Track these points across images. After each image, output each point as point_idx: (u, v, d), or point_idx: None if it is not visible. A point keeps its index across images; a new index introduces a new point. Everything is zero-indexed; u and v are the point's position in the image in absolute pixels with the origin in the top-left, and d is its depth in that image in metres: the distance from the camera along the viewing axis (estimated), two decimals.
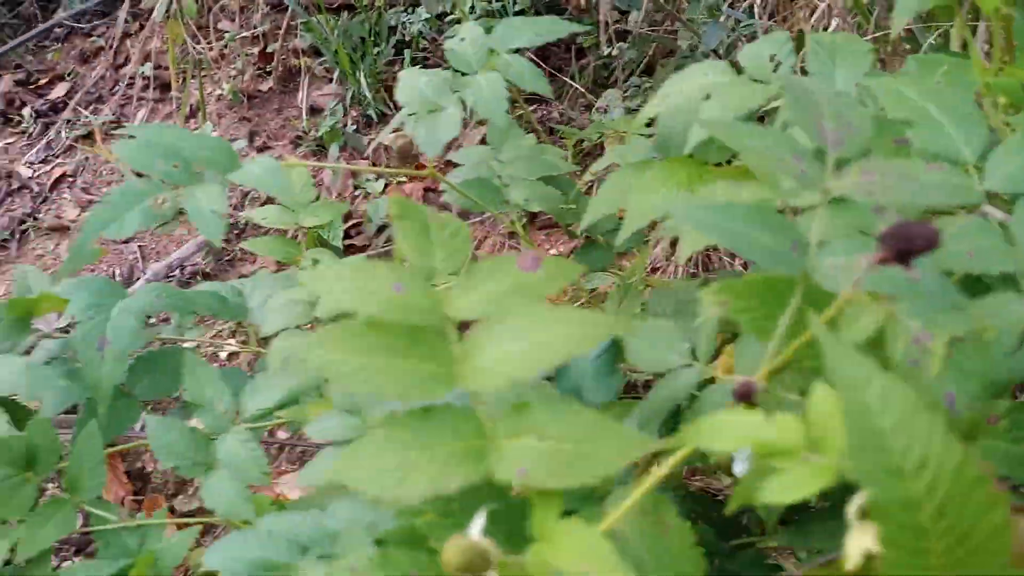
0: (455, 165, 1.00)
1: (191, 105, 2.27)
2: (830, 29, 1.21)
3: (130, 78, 2.37)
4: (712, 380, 0.57)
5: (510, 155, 0.86)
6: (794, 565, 0.65)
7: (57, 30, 2.51)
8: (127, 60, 2.40)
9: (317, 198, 1.06)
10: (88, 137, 2.27)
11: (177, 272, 1.99)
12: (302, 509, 0.57)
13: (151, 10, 2.27)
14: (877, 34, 1.11)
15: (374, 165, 2.00)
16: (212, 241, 0.68)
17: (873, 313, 0.43)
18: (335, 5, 2.28)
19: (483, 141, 1.07)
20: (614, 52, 1.81)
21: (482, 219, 1.80)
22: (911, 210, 0.49)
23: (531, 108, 1.10)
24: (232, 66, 2.32)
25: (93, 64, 2.40)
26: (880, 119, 0.55)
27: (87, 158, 2.23)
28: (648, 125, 0.74)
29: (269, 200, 2.24)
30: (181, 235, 2.14)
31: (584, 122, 1.84)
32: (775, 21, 1.44)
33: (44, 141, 2.27)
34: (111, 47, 2.37)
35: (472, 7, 1.96)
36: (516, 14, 1.95)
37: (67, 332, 0.85)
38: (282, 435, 1.49)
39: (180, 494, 1.52)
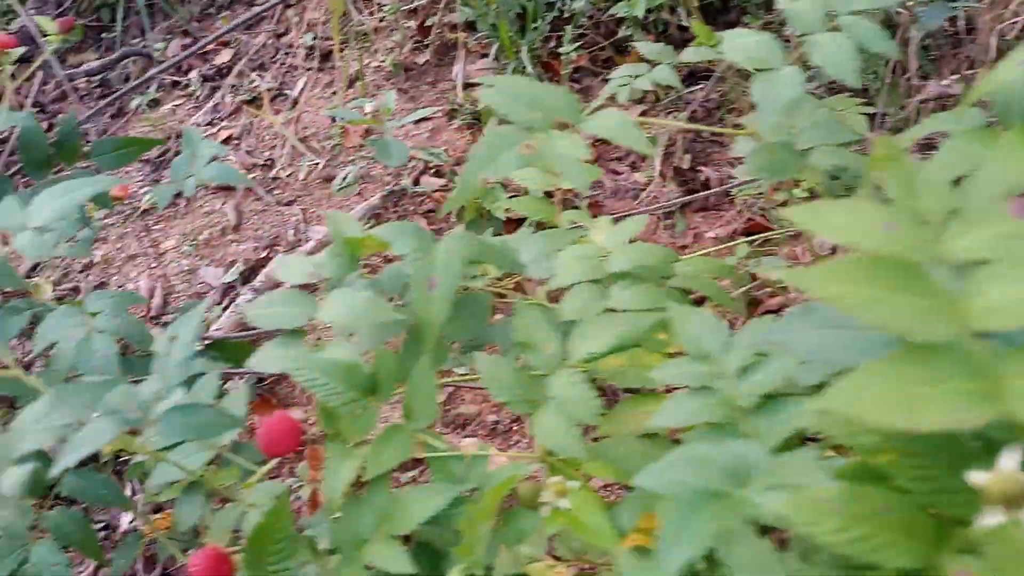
0: None
1: (349, 75, 2.34)
2: None
3: (289, 47, 2.45)
4: None
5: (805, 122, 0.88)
6: None
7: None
8: (287, 30, 2.48)
9: None
10: (251, 102, 2.35)
11: None
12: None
13: None
14: None
15: None
16: (578, 187, 0.72)
17: None
18: None
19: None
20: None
21: None
22: None
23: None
24: (390, 38, 2.38)
25: (256, 32, 2.48)
26: None
27: (251, 122, 2.31)
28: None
29: (425, 171, 2.31)
30: (342, 201, 2.21)
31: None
32: None
33: (211, 104, 2.36)
34: (273, 17, 2.45)
35: None
36: None
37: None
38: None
39: None
